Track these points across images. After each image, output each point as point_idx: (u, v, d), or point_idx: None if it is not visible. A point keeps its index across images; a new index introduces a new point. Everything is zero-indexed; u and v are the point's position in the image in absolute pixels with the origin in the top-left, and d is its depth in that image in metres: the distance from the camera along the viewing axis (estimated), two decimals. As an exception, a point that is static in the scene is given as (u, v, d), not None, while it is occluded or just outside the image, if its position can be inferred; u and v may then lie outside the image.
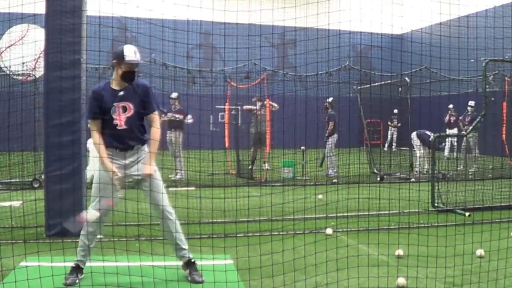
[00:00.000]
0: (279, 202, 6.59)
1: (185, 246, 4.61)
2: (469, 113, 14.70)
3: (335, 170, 12.69)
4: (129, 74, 4.44)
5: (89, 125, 4.58)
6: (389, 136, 20.97)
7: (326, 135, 13.08)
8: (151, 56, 11.97)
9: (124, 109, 4.45)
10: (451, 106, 15.89)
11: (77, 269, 4.52)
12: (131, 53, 4.41)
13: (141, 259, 4.57)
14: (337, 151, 12.87)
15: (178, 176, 11.61)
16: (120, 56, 4.40)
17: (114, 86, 4.51)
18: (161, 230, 4.64)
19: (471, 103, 14.55)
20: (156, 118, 4.55)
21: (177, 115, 11.81)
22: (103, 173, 4.46)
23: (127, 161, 4.50)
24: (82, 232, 4.53)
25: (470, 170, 12.98)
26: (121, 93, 4.46)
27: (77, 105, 6.17)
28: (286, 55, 20.34)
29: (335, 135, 13.03)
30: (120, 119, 4.44)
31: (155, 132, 4.49)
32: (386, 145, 20.05)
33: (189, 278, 4.57)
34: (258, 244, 4.70)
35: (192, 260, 4.62)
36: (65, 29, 6.10)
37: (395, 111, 19.11)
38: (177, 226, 4.55)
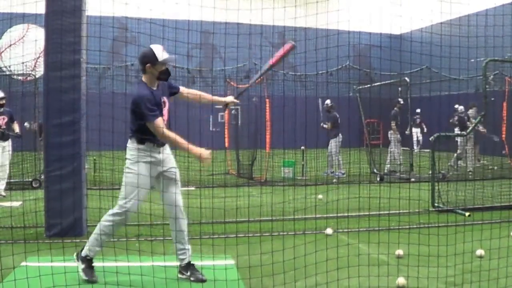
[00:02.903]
0: (279, 201, 6.59)
1: (189, 248, 4.64)
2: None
3: (343, 172, 12.70)
4: (166, 72, 4.58)
5: (155, 127, 4.40)
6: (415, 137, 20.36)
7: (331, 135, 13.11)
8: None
9: (164, 104, 4.61)
10: (457, 106, 15.83)
11: (91, 263, 4.55)
12: (161, 52, 4.52)
13: (141, 259, 4.57)
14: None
15: None
16: (153, 59, 4.48)
17: (152, 86, 4.57)
18: (174, 230, 4.60)
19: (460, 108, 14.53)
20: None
21: None
22: (141, 177, 4.46)
23: (161, 156, 4.57)
24: (109, 224, 4.52)
25: (469, 170, 12.98)
26: (159, 91, 4.59)
27: (77, 105, 6.17)
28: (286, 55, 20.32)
29: (340, 136, 13.04)
30: (164, 113, 4.57)
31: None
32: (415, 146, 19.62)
33: (192, 278, 4.59)
34: (258, 243, 4.70)
35: (192, 262, 4.65)
36: (65, 29, 6.10)
37: (418, 110, 18.62)
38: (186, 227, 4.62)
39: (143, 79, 4.59)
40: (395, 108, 13.39)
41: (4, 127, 9.55)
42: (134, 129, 4.51)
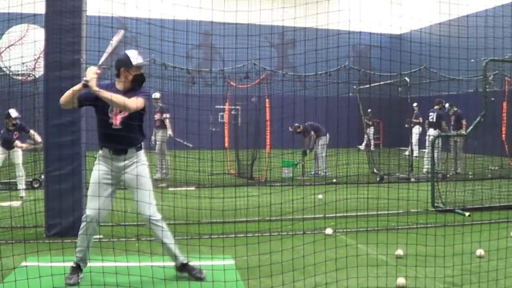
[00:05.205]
0: (278, 202, 6.59)
1: (176, 249, 4.60)
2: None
3: (325, 171, 12.76)
4: (140, 76, 4.57)
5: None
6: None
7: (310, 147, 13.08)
8: (150, 57, 11.98)
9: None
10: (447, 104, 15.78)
11: (77, 269, 4.54)
12: (135, 56, 4.54)
13: (140, 259, 4.58)
14: (336, 151, 12.87)
15: (158, 175, 11.69)
16: (127, 62, 4.50)
17: (119, 87, 4.58)
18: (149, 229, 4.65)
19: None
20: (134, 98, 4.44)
21: (157, 115, 11.94)
22: (98, 173, 4.51)
23: (120, 164, 4.54)
24: (80, 232, 4.54)
25: (457, 171, 12.92)
26: (125, 95, 4.48)
27: (77, 105, 6.17)
28: (286, 55, 20.33)
29: (327, 136, 13.02)
30: (116, 118, 4.51)
31: (128, 99, 4.38)
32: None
33: (192, 278, 4.59)
34: (257, 244, 4.70)
35: (185, 262, 4.64)
36: (65, 29, 6.10)
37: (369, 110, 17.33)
38: (164, 227, 4.53)
39: (119, 79, 4.58)
40: (435, 107, 13.33)
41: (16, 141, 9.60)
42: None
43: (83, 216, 4.56)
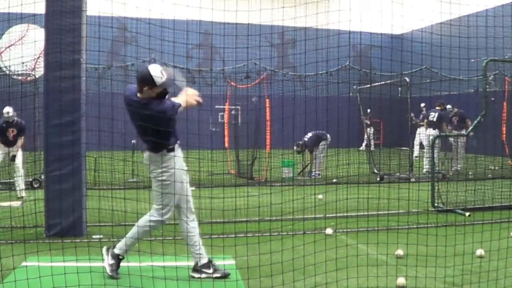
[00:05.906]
0: (279, 202, 6.58)
1: (201, 250, 4.70)
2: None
3: (318, 172, 12.76)
4: (163, 92, 4.57)
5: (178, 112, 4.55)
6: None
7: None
8: (150, 56, 11.98)
9: None
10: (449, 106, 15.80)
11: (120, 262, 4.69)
12: (159, 75, 4.43)
13: (140, 259, 4.57)
14: (336, 151, 12.87)
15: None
16: (151, 82, 4.42)
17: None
18: (182, 232, 4.76)
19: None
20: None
21: None
22: (178, 172, 4.56)
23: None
24: (145, 229, 4.66)
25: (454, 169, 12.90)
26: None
27: (77, 105, 6.17)
28: (286, 55, 20.33)
29: (328, 137, 13.02)
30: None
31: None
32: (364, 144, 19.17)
33: (219, 275, 4.64)
34: (257, 243, 4.70)
35: (210, 259, 4.72)
36: (65, 29, 6.11)
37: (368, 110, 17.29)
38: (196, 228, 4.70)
39: (139, 95, 4.52)
40: (437, 108, 13.28)
41: (12, 139, 9.60)
42: (158, 139, 4.51)
43: (158, 214, 4.61)
